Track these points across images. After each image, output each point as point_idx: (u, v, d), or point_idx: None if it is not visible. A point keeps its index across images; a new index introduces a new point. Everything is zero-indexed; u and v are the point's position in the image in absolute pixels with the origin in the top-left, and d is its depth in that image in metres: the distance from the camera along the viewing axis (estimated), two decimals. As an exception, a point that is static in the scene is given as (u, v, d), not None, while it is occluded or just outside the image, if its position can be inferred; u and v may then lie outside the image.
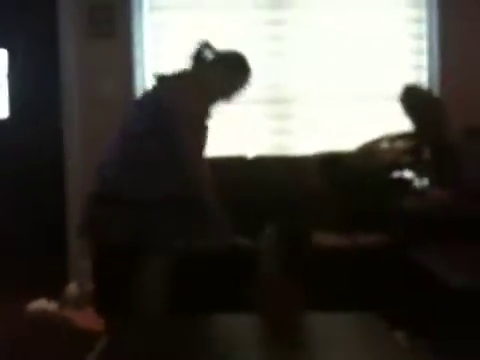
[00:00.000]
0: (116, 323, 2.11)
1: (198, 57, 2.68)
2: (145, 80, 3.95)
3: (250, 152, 3.76)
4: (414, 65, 3.99)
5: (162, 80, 2.63)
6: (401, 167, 3.49)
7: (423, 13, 3.95)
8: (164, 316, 2.42)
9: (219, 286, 2.90)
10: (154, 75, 2.65)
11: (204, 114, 2.58)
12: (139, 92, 3.91)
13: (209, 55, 2.68)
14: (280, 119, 4.01)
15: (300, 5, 3.97)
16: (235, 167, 3.62)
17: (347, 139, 3.80)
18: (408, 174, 3.50)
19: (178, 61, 3.09)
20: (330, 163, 3.58)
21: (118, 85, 3.84)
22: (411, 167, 3.49)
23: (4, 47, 4.01)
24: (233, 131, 3.96)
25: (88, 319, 3.07)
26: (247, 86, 2.74)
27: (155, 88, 2.63)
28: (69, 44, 3.85)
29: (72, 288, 3.43)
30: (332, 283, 2.87)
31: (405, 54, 3.98)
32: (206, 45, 2.67)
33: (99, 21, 3.83)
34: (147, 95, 2.69)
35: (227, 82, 2.70)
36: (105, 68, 3.86)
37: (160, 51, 4.00)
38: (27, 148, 3.99)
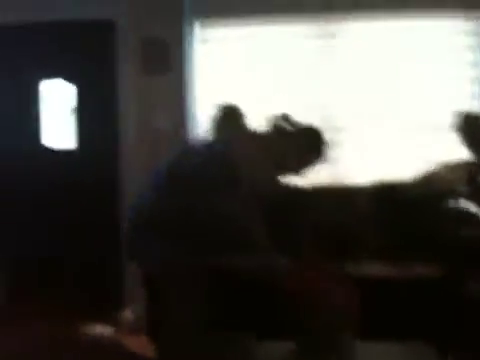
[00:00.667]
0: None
1: (276, 128, 2.70)
2: (198, 113, 4.06)
3: (299, 181, 3.76)
4: (468, 94, 3.92)
5: (233, 133, 2.66)
6: (459, 196, 3.40)
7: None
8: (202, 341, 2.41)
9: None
10: (223, 125, 2.69)
11: (268, 185, 2.58)
12: (193, 125, 4.02)
13: (287, 127, 2.69)
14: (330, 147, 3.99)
15: (349, 34, 3.99)
16: (284, 195, 3.64)
17: (399, 168, 3.75)
18: (466, 203, 3.40)
19: (230, 92, 3.21)
20: (385, 192, 3.54)
21: (172, 118, 3.96)
22: (469, 196, 3.40)
23: (71, 82, 4.21)
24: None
25: (141, 344, 3.12)
26: (320, 162, 2.73)
27: (223, 139, 2.68)
28: (126, 79, 4.03)
29: (127, 314, 3.50)
30: (384, 313, 2.81)
31: (458, 82, 3.92)
32: (285, 118, 2.70)
33: (154, 56, 3.99)
34: (210, 142, 2.73)
35: (302, 158, 2.72)
36: (160, 101, 3.99)
37: (213, 82, 4.09)
38: (88, 177, 4.14)
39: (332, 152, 3.96)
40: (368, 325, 2.72)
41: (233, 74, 4.08)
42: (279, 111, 2.73)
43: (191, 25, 4.05)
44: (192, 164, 2.50)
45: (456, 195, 3.40)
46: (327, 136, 3.83)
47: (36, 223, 4.17)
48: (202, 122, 3.99)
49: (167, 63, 4.01)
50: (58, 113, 4.21)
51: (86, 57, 4.15)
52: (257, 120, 3.94)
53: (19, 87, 4.22)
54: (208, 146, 2.66)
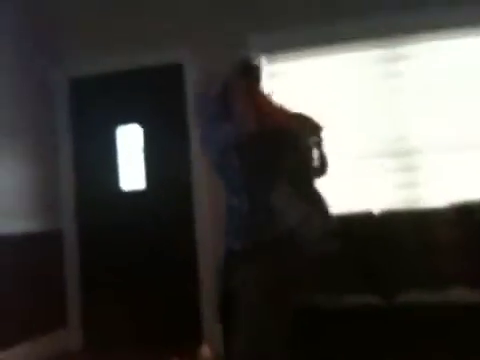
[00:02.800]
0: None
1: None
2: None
3: (377, 207, 3.66)
4: None
5: None
6: None
7: None
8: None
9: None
10: None
11: None
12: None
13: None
14: (406, 171, 3.89)
15: (418, 55, 3.91)
16: (363, 223, 3.55)
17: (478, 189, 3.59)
18: None
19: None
20: (466, 213, 3.38)
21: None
22: None
23: (139, 124, 4.38)
24: (359, 186, 3.92)
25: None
26: None
27: None
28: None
29: (205, 350, 3.49)
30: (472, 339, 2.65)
31: None
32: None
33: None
34: None
35: None
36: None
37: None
38: (161, 217, 4.25)
39: (409, 176, 3.89)
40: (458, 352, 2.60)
41: (303, 106, 4.08)
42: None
43: (259, 62, 4.12)
44: None
45: None
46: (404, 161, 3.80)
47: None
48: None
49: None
50: (134, 156, 4.38)
51: (158, 100, 4.31)
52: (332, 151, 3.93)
53: (98, 133, 4.44)
54: None
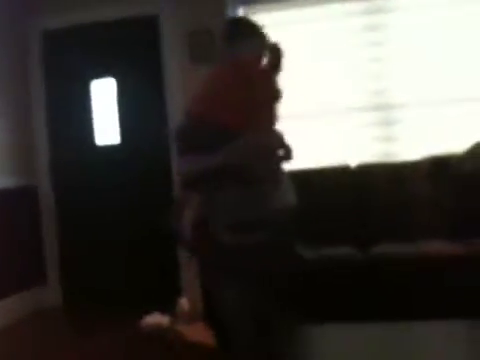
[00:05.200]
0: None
1: None
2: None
3: (354, 161, 3.68)
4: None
5: None
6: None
7: None
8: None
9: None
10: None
11: None
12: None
13: None
14: (385, 125, 3.89)
15: (399, 8, 3.86)
16: (339, 176, 3.58)
17: (454, 143, 3.60)
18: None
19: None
20: (440, 167, 3.41)
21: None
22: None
23: (112, 76, 4.28)
24: (337, 140, 3.92)
25: (199, 333, 3.14)
26: None
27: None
28: (172, 70, 4.05)
29: (183, 303, 3.53)
30: (449, 290, 2.71)
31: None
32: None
33: (200, 46, 3.99)
34: None
35: None
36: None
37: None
38: (137, 171, 4.21)
39: (388, 130, 3.90)
40: (434, 303, 2.66)
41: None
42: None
43: (235, 13, 4.03)
44: None
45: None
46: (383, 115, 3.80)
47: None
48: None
49: (213, 53, 3.99)
50: (108, 110, 4.29)
51: (133, 53, 4.20)
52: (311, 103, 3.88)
53: (72, 87, 4.34)
54: None
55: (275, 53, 2.56)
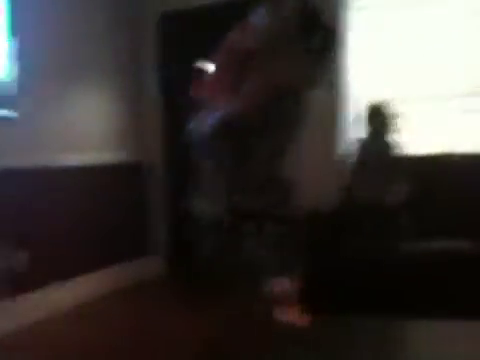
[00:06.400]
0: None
1: None
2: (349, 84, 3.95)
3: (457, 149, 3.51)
4: None
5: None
6: None
7: None
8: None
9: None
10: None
11: None
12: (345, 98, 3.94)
13: None
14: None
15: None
16: (443, 165, 3.42)
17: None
18: None
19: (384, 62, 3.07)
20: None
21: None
22: None
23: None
24: (440, 128, 3.75)
25: (294, 313, 3.12)
26: None
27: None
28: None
29: (281, 283, 3.51)
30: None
31: None
32: None
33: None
34: None
35: None
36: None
37: (367, 51, 3.96)
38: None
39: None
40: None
41: (389, 43, 3.91)
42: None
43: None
44: None
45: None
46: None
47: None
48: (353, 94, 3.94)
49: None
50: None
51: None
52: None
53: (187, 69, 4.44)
54: None
55: (325, 33, 2.42)
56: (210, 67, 2.42)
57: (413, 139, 3.57)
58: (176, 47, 4.47)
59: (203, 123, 2.28)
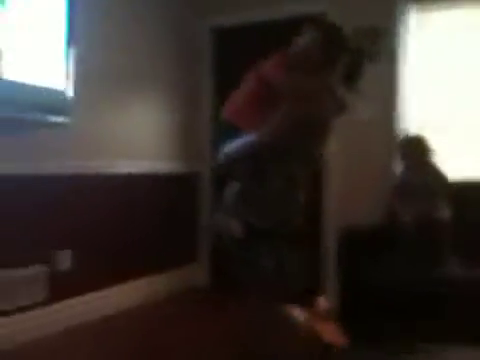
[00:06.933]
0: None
1: None
2: (407, 105, 3.90)
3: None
4: None
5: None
6: None
7: None
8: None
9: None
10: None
11: None
12: (402, 112, 3.86)
13: None
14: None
15: None
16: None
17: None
18: None
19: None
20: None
21: (380, 106, 3.82)
22: None
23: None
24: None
25: (333, 333, 3.08)
26: None
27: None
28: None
29: (321, 301, 3.47)
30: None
31: None
32: None
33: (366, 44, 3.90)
34: None
35: None
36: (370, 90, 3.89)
37: (428, 70, 3.91)
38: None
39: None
40: None
41: (450, 61, 3.81)
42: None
43: (406, 10, 3.90)
44: None
45: None
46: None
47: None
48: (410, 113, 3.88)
49: (378, 51, 3.88)
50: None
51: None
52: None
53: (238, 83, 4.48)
54: None
55: (353, 60, 2.45)
56: (242, 91, 2.49)
57: (458, 164, 3.54)
58: (228, 61, 4.53)
59: (232, 146, 2.36)
